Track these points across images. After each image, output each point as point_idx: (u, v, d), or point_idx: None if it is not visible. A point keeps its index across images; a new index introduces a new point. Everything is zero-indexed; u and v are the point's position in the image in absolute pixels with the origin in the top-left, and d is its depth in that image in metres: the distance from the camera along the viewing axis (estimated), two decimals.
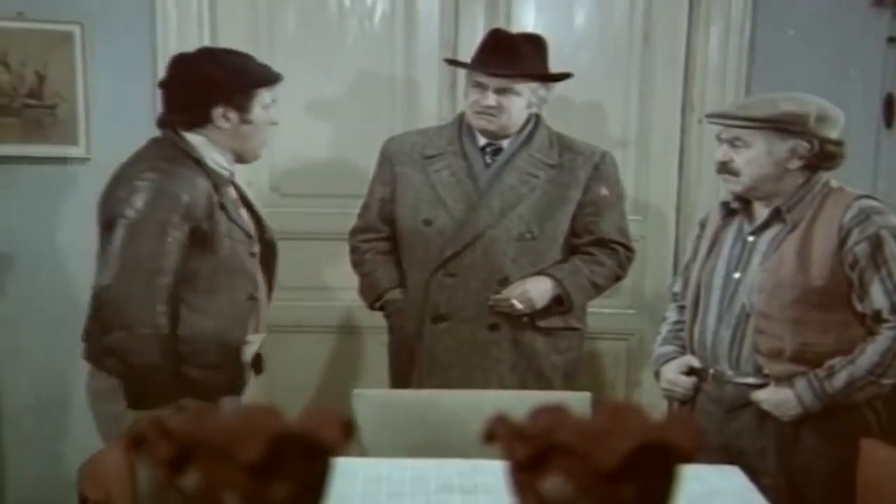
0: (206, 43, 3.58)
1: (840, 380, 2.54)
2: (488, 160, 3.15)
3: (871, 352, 2.53)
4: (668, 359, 2.89)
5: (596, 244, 3.18)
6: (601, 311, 3.77)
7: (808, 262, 2.57)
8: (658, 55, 3.77)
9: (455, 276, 3.10)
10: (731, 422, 2.70)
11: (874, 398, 2.61)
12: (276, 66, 3.72)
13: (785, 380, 2.60)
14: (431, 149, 3.18)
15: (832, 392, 2.54)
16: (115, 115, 3.57)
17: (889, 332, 2.52)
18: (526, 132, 3.15)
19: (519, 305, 3.07)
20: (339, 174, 3.77)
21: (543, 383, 3.15)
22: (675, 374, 2.84)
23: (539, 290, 3.09)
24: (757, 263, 2.66)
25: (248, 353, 2.81)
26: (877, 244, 2.52)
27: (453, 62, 3.36)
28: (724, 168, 2.67)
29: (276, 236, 2.98)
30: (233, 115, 2.69)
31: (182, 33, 3.55)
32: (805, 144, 2.59)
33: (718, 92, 3.65)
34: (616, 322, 3.90)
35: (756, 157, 2.61)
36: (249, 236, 2.76)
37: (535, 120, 3.18)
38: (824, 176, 2.65)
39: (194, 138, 2.71)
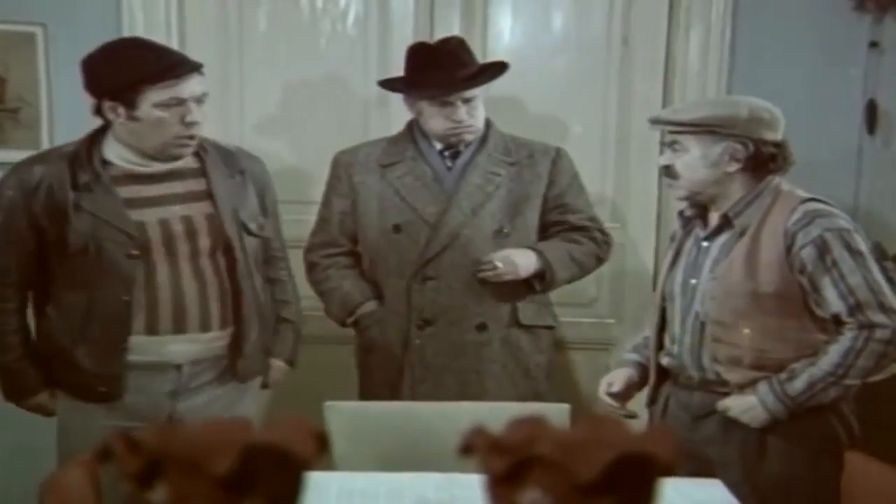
0: (174, 45, 3.50)
1: (801, 382, 2.53)
2: (449, 163, 3.16)
3: (832, 353, 2.52)
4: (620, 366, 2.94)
5: (570, 231, 3.21)
6: (581, 321, 3.74)
7: (756, 269, 2.56)
8: (637, 59, 3.74)
9: (435, 279, 3.10)
10: (698, 429, 2.68)
11: (839, 401, 2.59)
12: (247, 69, 3.67)
13: (746, 387, 2.59)
14: (388, 157, 3.18)
15: (794, 394, 2.53)
16: (80, 119, 3.43)
17: (850, 332, 2.51)
18: (480, 133, 3.17)
19: (501, 266, 3.06)
20: (312, 180, 3.69)
21: (531, 382, 3.19)
22: (603, 388, 2.89)
23: (522, 258, 3.10)
24: (708, 270, 2.66)
25: (145, 355, 2.70)
26: (822, 247, 2.50)
27: (393, 87, 3.27)
28: (667, 172, 2.70)
29: None
30: (121, 110, 2.62)
31: (149, 35, 3.40)
32: (738, 146, 2.58)
33: (699, 97, 3.61)
34: (595, 332, 3.86)
35: (692, 160, 2.62)
36: (132, 237, 2.64)
37: (486, 122, 3.20)
38: (774, 179, 2.64)
39: (108, 135, 2.71)
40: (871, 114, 3.64)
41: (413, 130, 3.20)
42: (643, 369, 2.88)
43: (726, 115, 2.58)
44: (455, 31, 3.52)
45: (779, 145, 2.61)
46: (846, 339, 2.51)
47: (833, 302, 2.51)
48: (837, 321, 2.53)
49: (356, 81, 3.71)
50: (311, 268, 3.25)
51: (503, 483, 1.10)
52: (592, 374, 3.89)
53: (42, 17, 3.45)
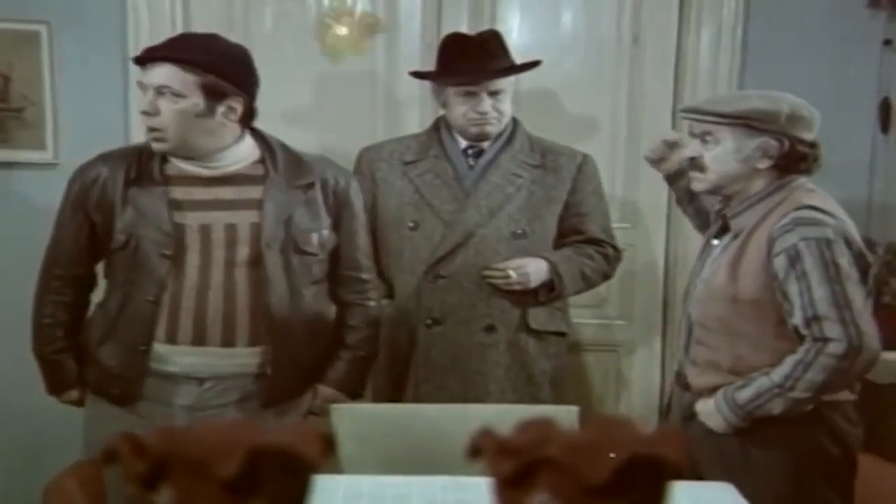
0: None
1: (749, 391, 2.46)
2: (471, 162, 3.14)
3: (785, 364, 2.44)
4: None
5: (584, 243, 3.18)
6: (590, 322, 3.71)
7: (738, 273, 2.51)
8: (648, 58, 3.70)
9: (446, 278, 3.08)
10: (686, 430, 2.64)
11: (828, 412, 2.50)
12: None
13: (712, 392, 2.55)
14: (411, 154, 3.16)
15: (741, 403, 2.47)
16: (85, 118, 3.49)
17: (805, 344, 2.42)
18: (506, 134, 3.15)
19: (514, 276, 3.04)
20: None
21: (533, 388, 3.15)
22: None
23: (535, 268, 3.07)
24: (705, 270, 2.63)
25: (164, 363, 2.63)
26: (794, 257, 2.42)
27: (428, 77, 3.25)
28: (693, 164, 2.63)
29: None
30: None
31: (154, 33, 3.42)
32: (774, 143, 2.52)
33: (710, 95, 3.55)
34: (605, 333, 3.83)
35: (724, 153, 2.55)
36: (170, 237, 2.57)
37: (514, 122, 3.18)
38: (795, 180, 2.57)
39: None
40: (885, 112, 3.61)
41: (439, 128, 3.18)
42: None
43: (768, 111, 2.51)
44: (463, 29, 3.47)
45: (813, 145, 2.55)
46: (800, 350, 2.43)
47: (795, 312, 2.43)
48: (797, 332, 2.45)
49: (363, 81, 3.68)
50: None
51: (511, 486, 1.08)
52: (601, 376, 3.87)
53: (46, 16, 3.42)
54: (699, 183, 2.64)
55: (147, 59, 2.56)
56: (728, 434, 2.53)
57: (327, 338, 2.82)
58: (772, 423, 2.48)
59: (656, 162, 2.98)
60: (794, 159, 2.54)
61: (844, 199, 2.63)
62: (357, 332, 2.85)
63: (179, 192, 2.61)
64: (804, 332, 2.41)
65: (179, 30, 3.53)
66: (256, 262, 2.62)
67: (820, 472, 2.45)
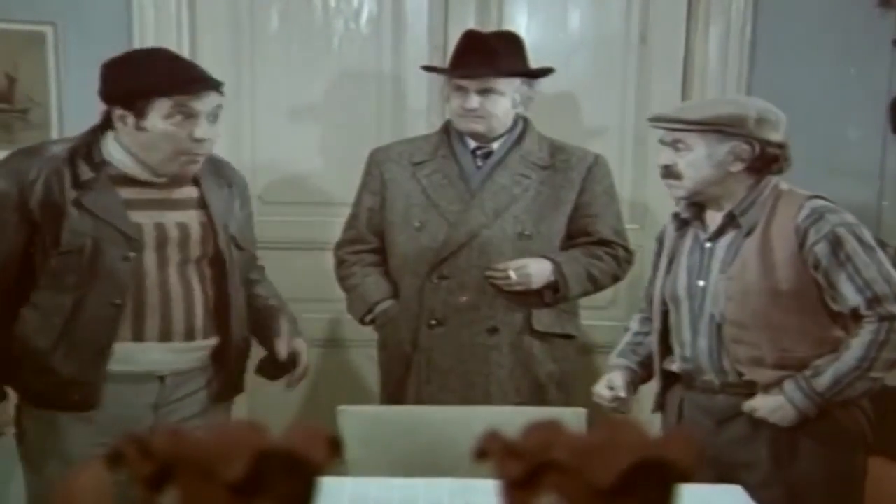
0: (185, 44, 3.51)
1: (827, 377, 2.51)
2: (479, 163, 3.12)
3: (855, 346, 2.51)
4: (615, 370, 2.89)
5: (593, 244, 3.16)
6: (598, 324, 3.68)
7: (771, 266, 2.55)
8: (656, 57, 3.70)
9: (449, 278, 3.06)
10: (723, 433, 2.66)
11: (864, 395, 2.59)
12: (259, 70, 3.63)
13: (771, 387, 2.57)
14: (420, 155, 3.15)
15: (821, 390, 2.51)
16: (90, 119, 3.42)
17: (871, 325, 2.50)
18: (516, 134, 3.13)
19: (514, 277, 3.02)
20: (325, 181, 3.69)
21: (539, 391, 3.13)
22: (599, 387, 2.84)
23: (537, 269, 3.05)
24: (717, 271, 2.64)
25: (129, 364, 2.59)
26: (835, 242, 2.50)
27: (430, 69, 3.28)
28: (668, 172, 2.66)
29: (259, 245, 2.88)
30: (129, 119, 2.52)
31: (160, 34, 3.46)
32: (745, 146, 2.57)
33: (718, 95, 3.56)
34: (613, 335, 3.75)
35: (697, 159, 2.59)
36: (130, 238, 2.54)
37: (524, 122, 3.16)
38: (773, 179, 2.64)
39: (108, 136, 2.60)
40: (895, 113, 3.58)
41: (449, 129, 3.17)
42: (634, 373, 2.87)
43: (735, 115, 2.56)
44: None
45: (782, 146, 2.60)
46: (867, 332, 2.50)
47: (851, 297, 2.50)
48: (856, 315, 2.52)
49: (370, 80, 3.67)
50: (338, 264, 3.23)
51: (519, 488, 1.08)
52: None
53: (52, 17, 3.41)
54: (676, 190, 2.68)
55: (201, 89, 2.52)
56: (779, 428, 2.57)
57: (264, 312, 2.88)
58: (824, 411, 2.55)
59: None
60: (766, 161, 2.59)
61: (855, 200, 2.64)
62: (277, 297, 2.94)
63: (129, 192, 2.59)
64: (866, 312, 2.50)
65: (185, 31, 3.54)
66: (210, 258, 2.67)
67: (858, 449, 2.53)
